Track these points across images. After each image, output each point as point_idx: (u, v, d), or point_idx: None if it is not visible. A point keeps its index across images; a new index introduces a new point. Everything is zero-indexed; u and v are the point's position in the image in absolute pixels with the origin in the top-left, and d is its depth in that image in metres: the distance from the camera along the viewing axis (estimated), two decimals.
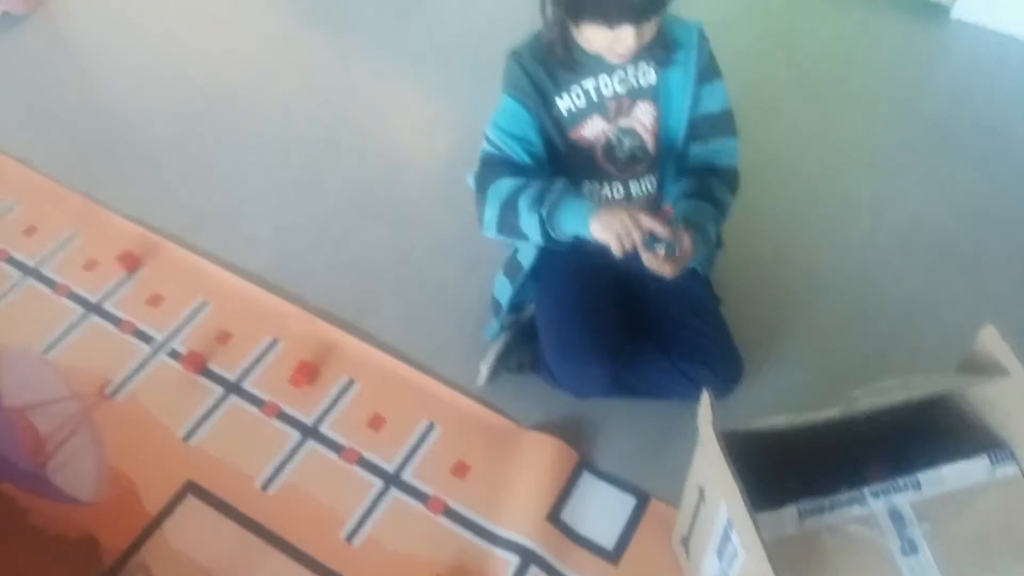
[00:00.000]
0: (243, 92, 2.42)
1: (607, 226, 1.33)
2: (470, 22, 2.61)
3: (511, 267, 1.64)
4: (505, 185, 1.45)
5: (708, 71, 1.50)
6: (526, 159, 1.47)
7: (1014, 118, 2.26)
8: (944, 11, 2.52)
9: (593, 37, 1.37)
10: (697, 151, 1.54)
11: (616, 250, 1.33)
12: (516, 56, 1.47)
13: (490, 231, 1.51)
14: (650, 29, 1.37)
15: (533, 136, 1.47)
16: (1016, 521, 1.14)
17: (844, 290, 1.90)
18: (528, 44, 1.48)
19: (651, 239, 1.35)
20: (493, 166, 1.49)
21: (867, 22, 2.55)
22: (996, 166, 2.15)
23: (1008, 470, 1.16)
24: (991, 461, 1.16)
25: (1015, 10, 2.42)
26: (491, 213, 1.47)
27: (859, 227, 2.02)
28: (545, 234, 1.42)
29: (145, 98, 2.41)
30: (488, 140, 1.51)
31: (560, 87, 1.48)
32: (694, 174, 1.54)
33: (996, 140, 2.21)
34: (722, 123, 1.54)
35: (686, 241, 1.36)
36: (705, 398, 1.12)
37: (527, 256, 1.60)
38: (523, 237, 1.47)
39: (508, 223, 1.46)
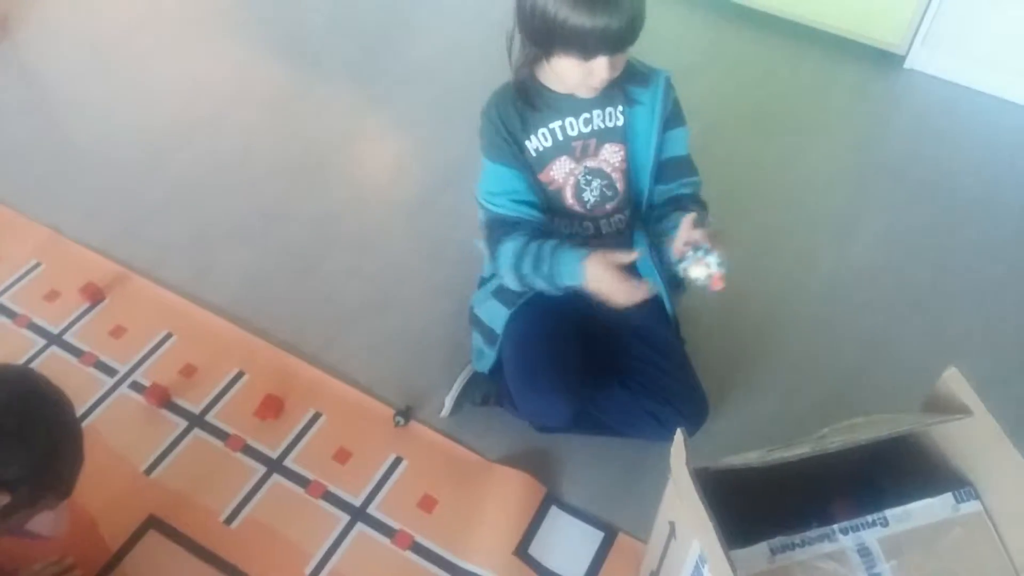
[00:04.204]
0: (209, 123, 2.41)
1: (599, 288, 1.40)
2: (437, 54, 2.64)
3: (506, 292, 1.63)
4: (507, 252, 1.48)
5: (674, 118, 1.54)
6: (519, 209, 1.49)
7: (964, 161, 2.35)
8: (898, 61, 2.61)
9: (566, 71, 1.39)
10: (663, 190, 1.57)
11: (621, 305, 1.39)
12: (485, 112, 1.50)
13: (517, 289, 1.55)
14: (621, 62, 1.39)
15: (517, 184, 1.49)
16: (980, 556, 1.17)
17: (806, 326, 1.94)
18: (496, 94, 1.51)
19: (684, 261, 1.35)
20: (492, 230, 1.52)
21: (823, 70, 2.64)
22: (948, 206, 2.22)
23: (972, 507, 1.19)
24: (955, 499, 1.19)
25: (965, 61, 2.52)
26: (509, 278, 1.52)
27: (821, 262, 2.08)
28: (562, 290, 1.47)
29: (111, 129, 2.38)
30: (480, 205, 1.54)
31: (528, 129, 1.50)
32: (666, 203, 1.56)
33: (947, 182, 2.29)
34: (684, 166, 1.58)
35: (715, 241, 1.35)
36: (679, 436, 1.13)
37: None
38: (554, 291, 1.50)
39: (527, 285, 1.51)
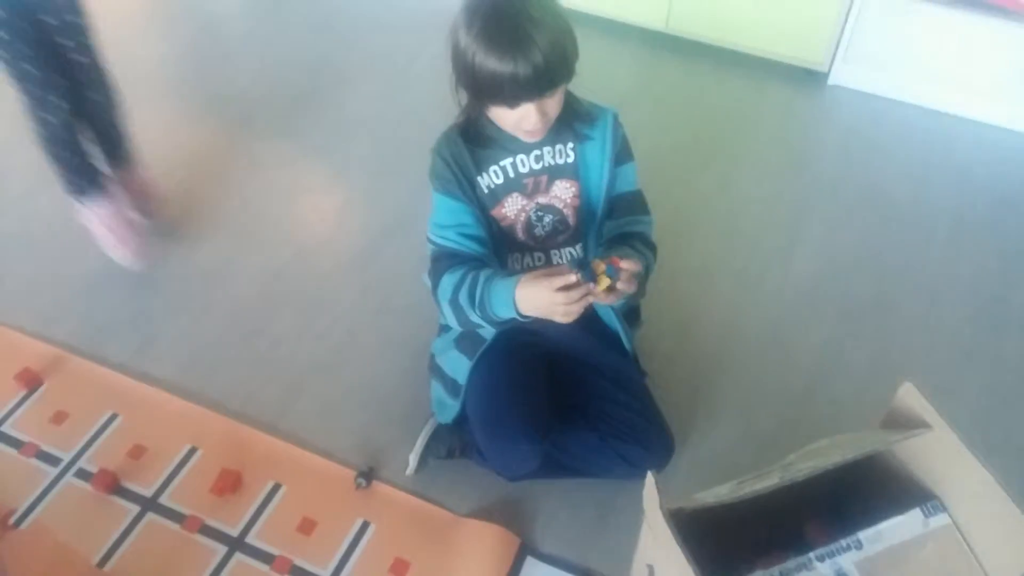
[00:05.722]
0: None
1: (536, 309, 1.35)
2: (370, 104, 2.62)
3: (468, 342, 1.61)
4: (447, 284, 1.46)
5: (623, 154, 1.55)
6: (465, 243, 1.48)
7: (895, 170, 2.41)
8: (821, 78, 2.68)
9: (502, 117, 1.41)
10: (613, 225, 1.57)
11: (563, 321, 1.34)
12: (436, 149, 1.50)
13: (456, 327, 1.54)
14: (553, 105, 1.39)
15: (466, 218, 1.49)
16: (953, 568, 1.18)
17: (757, 348, 1.95)
18: (446, 134, 1.51)
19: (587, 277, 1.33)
20: (436, 263, 1.51)
21: (750, 92, 2.69)
22: (882, 216, 2.28)
23: (940, 520, 1.20)
24: (924, 513, 1.20)
25: (886, 74, 2.60)
26: (448, 314, 1.50)
27: (765, 282, 2.10)
28: (496, 324, 1.44)
29: (34, 205, 2.30)
30: (428, 240, 1.53)
31: (480, 166, 1.50)
32: (614, 239, 1.55)
33: (880, 192, 2.34)
34: (637, 202, 1.59)
35: (624, 265, 1.34)
36: (650, 480, 1.12)
37: (489, 329, 1.57)
38: (484, 327, 1.50)
39: (464, 321, 1.48)
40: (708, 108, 2.64)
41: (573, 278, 1.32)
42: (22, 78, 1.82)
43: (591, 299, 1.35)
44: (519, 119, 1.38)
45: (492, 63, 1.30)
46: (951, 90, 2.55)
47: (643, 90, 2.67)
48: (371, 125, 2.55)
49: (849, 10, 2.48)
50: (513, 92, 1.33)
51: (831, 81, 2.67)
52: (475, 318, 1.45)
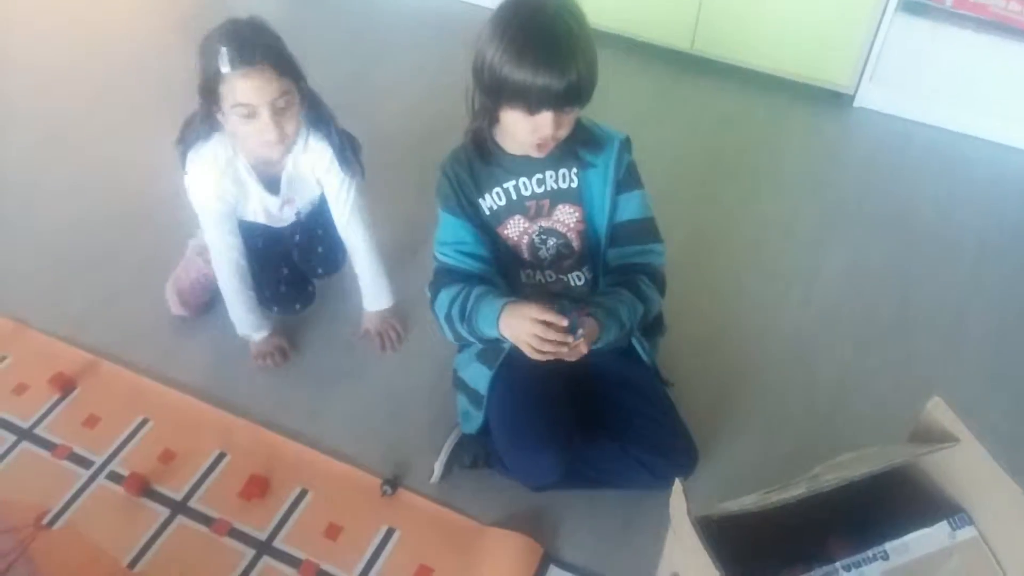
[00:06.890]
0: (169, 202, 2.38)
1: (514, 336, 1.40)
2: (397, 117, 2.66)
3: (488, 353, 1.63)
4: (443, 299, 1.52)
5: (627, 182, 1.56)
6: (463, 260, 1.52)
7: (920, 192, 2.42)
8: (847, 99, 2.70)
9: (514, 125, 1.42)
10: (616, 255, 1.59)
11: (530, 356, 1.39)
12: (442, 167, 1.54)
13: (453, 341, 1.60)
14: (568, 121, 1.42)
15: (465, 236, 1.52)
16: None
17: (783, 361, 1.96)
18: (454, 153, 1.55)
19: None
20: (437, 279, 1.56)
21: (776, 113, 2.71)
22: (908, 236, 2.29)
23: (967, 533, 1.20)
24: (951, 526, 1.20)
25: (912, 96, 2.61)
26: (444, 327, 1.55)
27: (789, 300, 2.11)
28: (483, 341, 1.48)
29: (69, 215, 2.34)
30: (434, 257, 1.58)
31: (482, 188, 1.53)
32: (619, 271, 1.58)
33: (904, 214, 2.36)
34: (644, 230, 1.59)
35: (589, 323, 1.41)
36: (677, 486, 1.13)
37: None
38: (478, 343, 1.53)
39: (457, 336, 1.53)
40: (733, 129, 2.66)
41: (561, 322, 1.35)
42: None
43: (564, 351, 1.38)
44: (533, 129, 1.40)
45: (524, 75, 1.32)
46: (977, 113, 2.56)
47: (667, 110, 2.70)
48: (399, 140, 2.58)
49: (876, 32, 2.51)
50: (538, 100, 1.35)
51: (857, 103, 2.69)
52: (465, 333, 1.49)
